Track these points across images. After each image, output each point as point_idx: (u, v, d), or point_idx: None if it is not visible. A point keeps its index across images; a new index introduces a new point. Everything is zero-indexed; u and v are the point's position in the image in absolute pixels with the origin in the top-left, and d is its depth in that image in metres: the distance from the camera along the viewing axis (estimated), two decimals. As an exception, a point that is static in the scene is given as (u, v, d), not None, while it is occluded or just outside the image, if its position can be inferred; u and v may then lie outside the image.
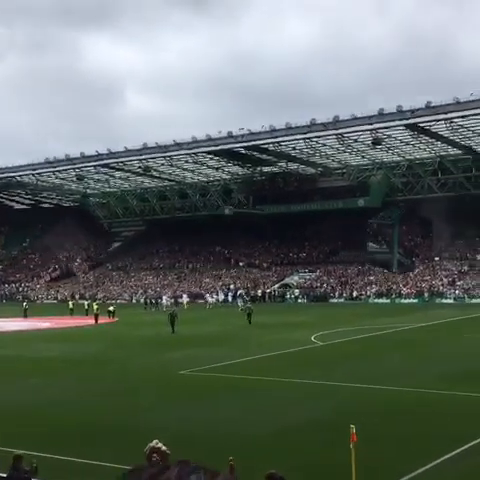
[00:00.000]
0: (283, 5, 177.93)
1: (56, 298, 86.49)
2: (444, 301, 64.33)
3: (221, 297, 73.93)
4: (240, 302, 62.43)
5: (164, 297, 69.85)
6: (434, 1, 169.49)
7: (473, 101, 55.22)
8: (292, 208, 77.03)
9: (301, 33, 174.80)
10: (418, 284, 68.67)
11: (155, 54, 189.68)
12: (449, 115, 57.45)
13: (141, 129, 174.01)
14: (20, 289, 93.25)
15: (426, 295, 66.36)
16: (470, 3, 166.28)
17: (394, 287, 69.24)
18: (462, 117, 57.71)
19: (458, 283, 67.35)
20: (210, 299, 68.78)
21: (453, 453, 12.92)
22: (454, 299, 64.61)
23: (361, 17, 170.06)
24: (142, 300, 73.42)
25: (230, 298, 73.24)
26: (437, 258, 73.83)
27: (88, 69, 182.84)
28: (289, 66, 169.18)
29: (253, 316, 44.52)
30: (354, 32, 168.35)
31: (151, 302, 68.58)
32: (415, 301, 65.54)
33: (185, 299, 68.18)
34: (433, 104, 56.78)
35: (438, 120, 58.48)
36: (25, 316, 56.21)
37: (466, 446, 13.37)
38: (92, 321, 49.94)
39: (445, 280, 68.41)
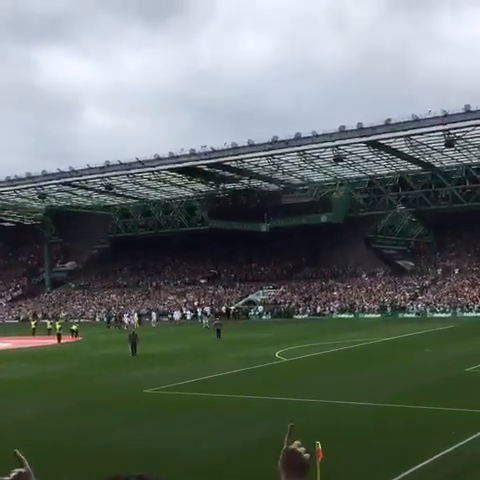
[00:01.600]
0: (240, 21, 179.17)
1: (18, 318, 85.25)
2: (406, 315, 64.98)
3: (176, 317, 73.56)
4: (205, 319, 62.08)
5: (124, 315, 69.46)
6: (390, 17, 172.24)
7: (431, 118, 56.21)
8: (255, 225, 77.19)
9: (259, 49, 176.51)
10: (381, 299, 69.31)
11: (113, 70, 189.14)
12: (408, 132, 58.38)
13: (100, 145, 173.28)
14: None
15: (389, 310, 66.98)
16: (425, 20, 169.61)
17: (357, 302, 69.77)
18: (421, 134, 58.68)
19: (420, 297, 68.13)
20: (177, 316, 68.62)
21: (409, 471, 13.00)
22: (416, 313, 65.31)
23: (318, 33, 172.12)
24: (105, 319, 72.77)
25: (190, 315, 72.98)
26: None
27: (44, 85, 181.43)
28: (248, 82, 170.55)
29: (223, 338, 44.59)
30: (311, 48, 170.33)
31: (115, 320, 68.09)
32: (378, 316, 66.09)
33: (153, 316, 67.74)
34: (392, 121, 57.66)
35: (397, 137, 59.41)
36: (-14, 337, 55.33)
37: (424, 463, 13.50)
38: (55, 341, 49.39)
39: (407, 295, 69.16)
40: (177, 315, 70.74)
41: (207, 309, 72.80)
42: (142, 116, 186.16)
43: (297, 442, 2.51)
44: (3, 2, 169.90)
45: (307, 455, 2.47)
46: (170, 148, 68.30)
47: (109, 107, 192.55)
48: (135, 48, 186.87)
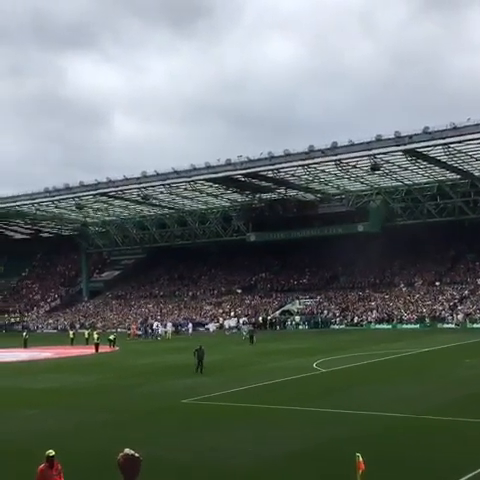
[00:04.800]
0: (268, 25, 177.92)
1: (56, 327, 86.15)
2: (445, 326, 64.07)
3: (231, 324, 73.53)
4: (245, 329, 61.12)
5: (159, 325, 69.30)
6: (422, 19, 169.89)
7: (470, 126, 55.43)
8: (292, 234, 77.07)
9: (287, 54, 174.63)
10: (419, 309, 68.44)
11: (140, 77, 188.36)
12: (446, 140, 57.67)
13: (130, 153, 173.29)
14: (19, 319, 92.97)
15: (427, 320, 66.09)
16: (458, 20, 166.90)
17: (395, 312, 69.00)
18: (459, 142, 57.91)
19: (459, 308, 67.13)
20: (212, 327, 68.52)
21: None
22: (455, 324, 64.32)
23: (348, 38, 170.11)
24: (142, 329, 72.74)
25: (231, 325, 73.04)
26: (438, 283, 73.69)
27: (71, 93, 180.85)
28: (277, 88, 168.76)
29: (255, 342, 44.32)
30: (341, 53, 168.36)
31: (151, 330, 68.29)
32: (416, 326, 65.26)
33: (169, 328, 67.61)
34: (430, 129, 57.01)
35: (436, 145, 58.68)
36: (25, 346, 55.93)
37: (467, 476, 13.17)
38: (93, 350, 49.70)
39: (446, 305, 68.20)
40: (212, 327, 71.14)
41: (246, 319, 72.60)
42: (171, 123, 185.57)
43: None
44: (29, 10, 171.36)
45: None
46: (201, 155, 68.90)
47: (138, 114, 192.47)
48: (162, 54, 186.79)
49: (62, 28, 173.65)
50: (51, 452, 10.45)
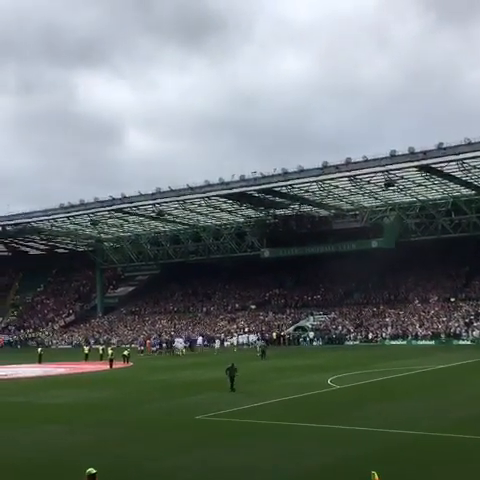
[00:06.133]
0: (280, 40, 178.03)
1: (70, 343, 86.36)
2: (461, 342, 63.63)
3: (242, 340, 72.96)
4: (259, 345, 59.59)
5: (177, 340, 68.69)
6: (435, 33, 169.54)
7: (485, 142, 55.36)
8: (306, 250, 76.99)
9: (300, 69, 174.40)
10: (434, 325, 68.05)
11: (152, 92, 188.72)
12: (461, 156, 57.59)
13: (143, 169, 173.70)
14: (34, 334, 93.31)
15: (442, 336, 65.68)
16: (471, 34, 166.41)
17: (410, 329, 68.64)
18: (474, 158, 57.82)
19: (475, 324, 66.66)
20: (217, 344, 67.04)
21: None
22: (471, 341, 63.88)
23: (360, 52, 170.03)
24: (156, 345, 72.38)
25: (244, 340, 72.67)
26: (453, 299, 73.27)
27: (83, 109, 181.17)
28: (289, 103, 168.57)
29: (269, 358, 44.13)
30: (354, 68, 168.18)
31: (167, 346, 68.13)
32: (432, 343, 64.88)
33: (180, 344, 66.08)
34: (445, 145, 56.96)
35: (450, 161, 58.62)
36: (40, 362, 56.09)
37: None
38: (107, 366, 49.78)
39: (461, 321, 67.77)
40: (217, 344, 68.81)
41: (253, 336, 72.15)
42: (184, 139, 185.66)
43: None
44: (41, 26, 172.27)
45: None
46: (213, 171, 69.11)
47: (150, 130, 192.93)
48: (174, 70, 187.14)
49: (74, 44, 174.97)
50: (92, 470, 10.29)
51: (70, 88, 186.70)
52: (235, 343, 72.01)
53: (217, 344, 66.59)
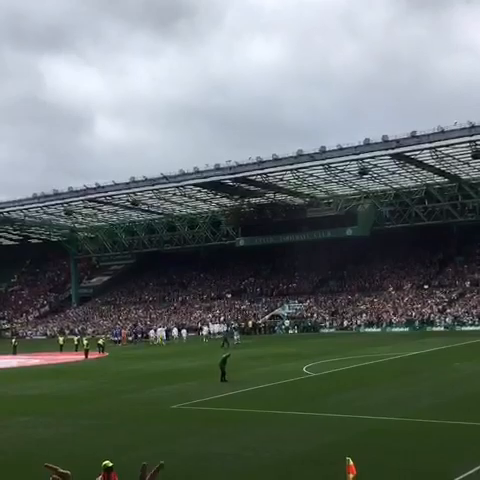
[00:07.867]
0: (251, 26, 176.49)
1: (45, 334, 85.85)
2: (434, 329, 64.32)
3: (215, 330, 72.10)
4: (236, 335, 59.22)
5: (158, 329, 68.06)
6: (406, 20, 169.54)
7: (457, 130, 55.81)
8: (281, 239, 77.19)
9: (272, 57, 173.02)
10: (408, 312, 68.68)
11: (121, 80, 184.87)
12: (434, 144, 58.00)
13: (115, 158, 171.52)
14: (7, 325, 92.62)
15: (416, 323, 66.34)
16: (442, 20, 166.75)
17: (384, 316, 69.20)
18: (447, 146, 58.28)
19: (448, 311, 67.40)
20: (184, 334, 66.50)
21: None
22: (444, 327, 64.60)
23: (331, 40, 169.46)
24: (132, 335, 72.32)
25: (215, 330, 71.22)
26: (426, 286, 73.98)
27: (50, 97, 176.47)
28: (262, 90, 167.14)
29: (245, 347, 44.24)
30: (325, 56, 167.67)
31: (142, 336, 68.03)
32: (406, 329, 65.50)
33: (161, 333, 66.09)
34: (418, 133, 57.34)
35: (423, 149, 59.06)
36: (14, 353, 55.72)
37: (461, 477, 13.28)
38: (82, 356, 49.59)
39: (435, 308, 68.47)
40: (184, 333, 68.32)
41: (235, 325, 71.20)
42: (156, 127, 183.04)
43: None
44: (3, 10, 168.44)
45: None
46: (187, 159, 68.65)
47: (122, 118, 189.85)
48: (144, 57, 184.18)
49: (40, 30, 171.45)
50: (109, 463, 10.03)
51: (36, 76, 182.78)
52: (204, 333, 68.38)
53: (205, 331, 66.62)
